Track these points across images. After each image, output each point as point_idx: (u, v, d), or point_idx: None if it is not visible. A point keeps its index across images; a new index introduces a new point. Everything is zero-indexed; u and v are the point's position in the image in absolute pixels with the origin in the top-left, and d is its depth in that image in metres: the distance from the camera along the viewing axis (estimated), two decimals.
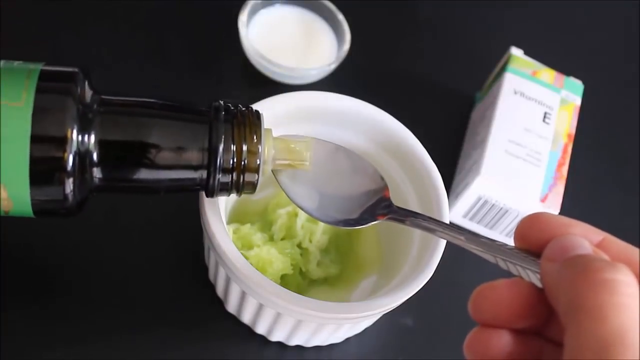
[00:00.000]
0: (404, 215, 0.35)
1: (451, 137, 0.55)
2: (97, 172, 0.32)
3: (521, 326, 0.26)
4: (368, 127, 0.43)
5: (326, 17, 0.55)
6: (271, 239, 0.42)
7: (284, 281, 0.41)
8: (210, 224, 0.36)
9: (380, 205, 0.36)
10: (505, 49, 0.55)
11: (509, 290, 0.25)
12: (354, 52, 0.54)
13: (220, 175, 0.33)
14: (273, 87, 0.53)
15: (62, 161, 0.31)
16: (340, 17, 0.55)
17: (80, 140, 0.31)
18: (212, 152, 0.33)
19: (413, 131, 0.42)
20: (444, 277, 0.39)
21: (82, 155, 0.31)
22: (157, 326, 0.42)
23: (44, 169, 0.31)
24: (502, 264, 0.27)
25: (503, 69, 0.53)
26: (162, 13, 0.56)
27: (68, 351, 0.40)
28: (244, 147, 0.33)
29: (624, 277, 0.22)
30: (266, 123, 0.41)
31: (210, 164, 0.33)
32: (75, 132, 0.31)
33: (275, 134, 0.42)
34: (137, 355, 0.40)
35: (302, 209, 0.36)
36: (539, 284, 0.25)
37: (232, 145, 0.33)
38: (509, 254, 0.27)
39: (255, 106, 0.40)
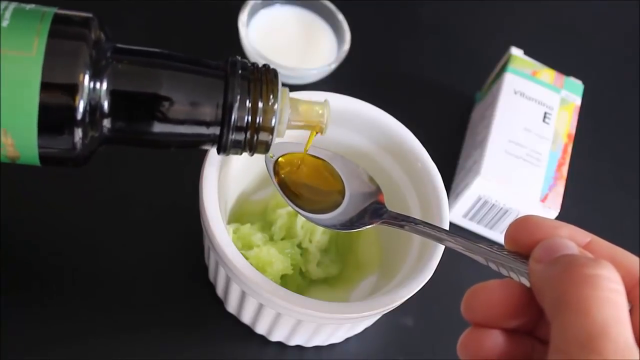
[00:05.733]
0: (397, 219, 0.35)
1: (451, 137, 0.55)
2: (107, 122, 0.31)
3: (512, 326, 0.26)
4: (368, 127, 0.43)
5: (326, 17, 0.55)
6: (271, 239, 0.42)
7: (284, 281, 0.41)
8: (210, 224, 0.36)
9: (374, 209, 0.36)
10: (505, 49, 0.55)
11: (500, 291, 0.26)
12: (354, 52, 0.54)
13: (233, 133, 0.32)
14: None
15: (72, 109, 0.30)
16: (340, 17, 0.55)
17: (92, 87, 0.30)
18: (227, 108, 0.32)
19: (413, 131, 0.42)
20: (444, 277, 0.39)
21: (93, 104, 0.30)
22: (156, 326, 0.42)
23: (53, 116, 0.30)
24: (493, 266, 0.28)
25: (503, 69, 0.53)
26: (162, 13, 0.56)
27: (67, 351, 0.40)
28: (260, 105, 0.32)
29: (607, 273, 0.23)
30: None
31: (224, 121, 0.32)
32: (87, 79, 0.30)
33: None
34: (136, 355, 0.40)
35: (299, 212, 0.36)
36: (528, 285, 0.26)
37: (247, 103, 0.32)
38: (499, 257, 0.28)
39: None
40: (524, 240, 0.26)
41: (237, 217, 0.44)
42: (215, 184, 0.37)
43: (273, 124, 0.32)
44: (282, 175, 0.37)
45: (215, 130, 0.32)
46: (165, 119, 0.32)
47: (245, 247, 0.41)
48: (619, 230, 0.54)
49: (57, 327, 0.40)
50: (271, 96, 0.32)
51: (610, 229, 0.53)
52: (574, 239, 0.26)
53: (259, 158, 0.43)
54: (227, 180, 0.40)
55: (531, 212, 0.47)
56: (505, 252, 0.27)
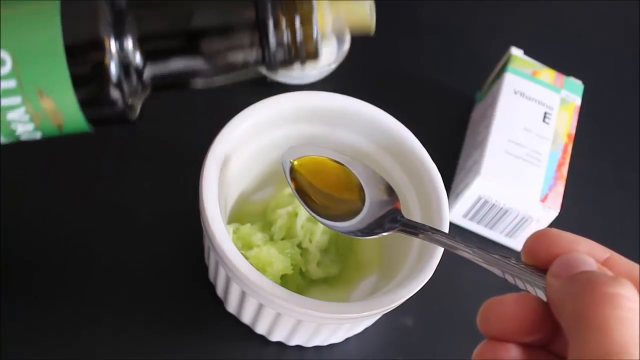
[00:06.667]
0: (413, 228, 0.35)
1: (451, 137, 0.55)
2: (145, 71, 0.30)
3: (528, 340, 0.26)
4: (368, 127, 0.43)
5: None
6: (271, 239, 0.42)
7: (284, 281, 0.41)
8: (210, 224, 0.36)
9: (391, 217, 0.36)
10: (505, 49, 0.55)
11: (517, 305, 0.26)
12: (354, 52, 0.54)
13: (276, 51, 0.30)
14: (273, 87, 0.53)
15: (103, 64, 0.28)
16: None
17: (119, 38, 0.28)
18: (262, 27, 0.30)
19: (413, 131, 0.42)
20: (444, 277, 0.39)
21: (124, 54, 0.29)
22: (156, 326, 0.42)
23: (85, 74, 0.28)
24: (510, 279, 0.28)
25: (503, 69, 0.53)
26: None
27: (67, 350, 0.40)
28: (297, 17, 0.30)
29: (627, 292, 0.23)
30: (266, 123, 0.41)
31: (262, 41, 0.30)
32: (111, 30, 0.28)
33: (275, 134, 0.42)
34: (137, 355, 0.40)
35: (316, 218, 0.36)
36: (545, 299, 0.26)
37: (282, 17, 0.30)
38: (516, 270, 0.27)
39: (256, 106, 0.40)
40: (541, 254, 0.26)
41: (237, 217, 0.44)
42: (215, 184, 0.37)
43: (315, 33, 0.31)
44: (299, 180, 0.37)
45: (258, 53, 0.30)
46: (202, 54, 0.30)
47: (245, 247, 0.41)
48: (619, 230, 0.54)
49: (57, 326, 0.40)
50: (305, 3, 0.30)
51: (610, 229, 0.54)
52: (592, 254, 0.25)
53: (258, 158, 0.43)
54: (227, 180, 0.40)
55: (531, 211, 0.47)
56: (523, 265, 0.27)
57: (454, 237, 0.33)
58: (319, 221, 0.36)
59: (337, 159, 0.38)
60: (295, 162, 0.37)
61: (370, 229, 0.36)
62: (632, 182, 0.58)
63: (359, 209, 0.37)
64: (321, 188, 0.37)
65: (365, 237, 0.36)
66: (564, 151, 0.50)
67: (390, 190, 0.37)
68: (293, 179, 0.37)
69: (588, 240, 0.26)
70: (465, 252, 0.31)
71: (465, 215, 0.50)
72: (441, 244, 0.33)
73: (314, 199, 0.37)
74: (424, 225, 0.35)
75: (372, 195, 0.37)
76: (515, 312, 0.26)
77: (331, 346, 0.43)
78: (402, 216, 0.36)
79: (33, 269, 0.42)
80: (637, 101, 0.63)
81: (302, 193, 0.37)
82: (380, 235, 0.35)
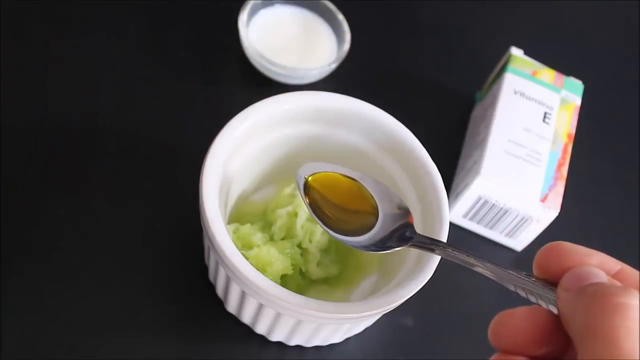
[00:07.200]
0: (426, 243, 0.35)
1: (451, 137, 0.55)
2: None
3: (540, 353, 0.26)
4: (368, 127, 0.43)
5: (326, 17, 0.55)
6: (271, 239, 0.42)
7: (284, 281, 0.41)
8: (210, 224, 0.36)
9: (403, 232, 0.36)
10: (505, 49, 0.55)
11: (528, 318, 0.26)
12: (354, 52, 0.54)
13: None
14: (273, 87, 0.53)
15: None
16: (340, 17, 0.55)
17: None
18: None
19: (413, 131, 0.42)
20: (444, 277, 0.39)
21: None
22: (156, 326, 0.42)
23: None
24: (522, 293, 0.28)
25: (503, 69, 0.53)
26: (162, 14, 0.56)
27: (66, 350, 0.40)
28: None
29: (636, 302, 0.23)
30: (266, 123, 0.41)
31: None
32: None
33: (275, 134, 0.42)
34: (136, 355, 0.40)
35: (330, 233, 0.36)
36: (557, 312, 0.26)
37: None
38: (528, 284, 0.27)
39: (255, 106, 0.40)
40: (553, 268, 0.26)
41: (237, 217, 0.44)
42: (216, 184, 0.37)
43: None
44: (313, 195, 0.37)
45: None
46: None
47: (245, 247, 0.41)
48: (619, 230, 0.54)
49: (57, 327, 0.40)
50: None
51: (610, 229, 0.54)
52: (603, 267, 0.25)
53: (259, 158, 0.43)
54: (227, 180, 0.40)
55: (531, 211, 0.47)
56: (534, 279, 0.27)
57: (467, 251, 0.33)
58: (332, 236, 0.36)
59: (350, 175, 0.38)
60: (310, 178, 0.38)
61: (384, 243, 0.36)
62: (632, 182, 0.58)
63: (372, 224, 0.37)
64: (335, 202, 0.38)
65: (378, 252, 0.36)
66: (564, 151, 0.50)
67: (402, 205, 0.37)
68: (307, 194, 0.37)
69: (600, 253, 0.26)
70: (479, 266, 0.31)
71: (465, 215, 0.50)
72: (454, 258, 0.33)
73: (328, 213, 0.37)
74: (436, 240, 0.35)
75: (385, 209, 0.37)
76: (526, 326, 0.26)
77: (331, 346, 0.43)
78: (415, 231, 0.36)
79: (33, 270, 0.42)
80: (637, 101, 0.63)
81: (316, 208, 0.37)
82: (393, 250, 0.35)
